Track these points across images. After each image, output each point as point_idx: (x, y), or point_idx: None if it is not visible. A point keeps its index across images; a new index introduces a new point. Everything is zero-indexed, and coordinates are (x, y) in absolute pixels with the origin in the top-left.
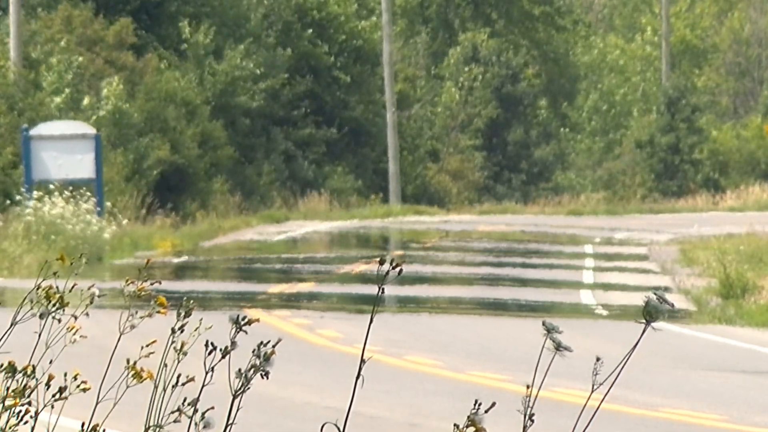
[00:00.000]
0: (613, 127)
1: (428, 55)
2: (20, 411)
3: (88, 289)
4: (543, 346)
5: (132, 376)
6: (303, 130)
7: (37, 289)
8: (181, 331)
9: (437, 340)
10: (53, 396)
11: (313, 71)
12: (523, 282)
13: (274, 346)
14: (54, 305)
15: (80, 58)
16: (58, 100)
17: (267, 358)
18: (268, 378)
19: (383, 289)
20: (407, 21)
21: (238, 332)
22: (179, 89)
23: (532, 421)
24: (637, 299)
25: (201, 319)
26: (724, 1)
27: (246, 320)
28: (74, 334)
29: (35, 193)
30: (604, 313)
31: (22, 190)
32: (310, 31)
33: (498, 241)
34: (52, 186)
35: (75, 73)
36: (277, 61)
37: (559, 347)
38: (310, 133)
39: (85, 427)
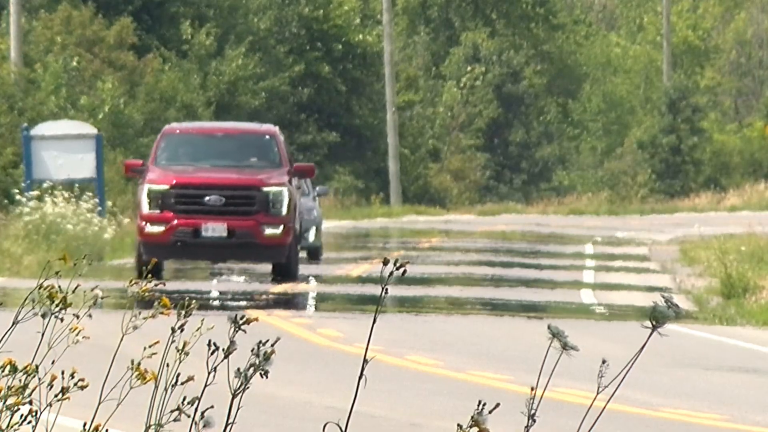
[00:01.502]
0: (615, 127)
1: (429, 54)
2: (21, 411)
3: (92, 290)
4: (549, 347)
5: (136, 377)
6: (305, 136)
7: (39, 288)
8: (181, 331)
9: (438, 340)
10: (55, 396)
11: (314, 76)
12: (524, 282)
13: (272, 345)
14: (57, 305)
15: (76, 58)
16: (54, 99)
17: (267, 358)
18: (267, 377)
19: (387, 289)
20: (408, 20)
21: (237, 332)
22: (180, 90)
23: (534, 420)
24: (638, 299)
25: (203, 320)
26: (730, 0)
27: (244, 320)
28: (77, 334)
29: (36, 193)
30: (605, 312)
31: (22, 189)
32: (313, 36)
33: (499, 240)
34: (52, 185)
35: (71, 73)
36: (275, 58)
37: (565, 347)
38: (312, 138)
39: (87, 427)
